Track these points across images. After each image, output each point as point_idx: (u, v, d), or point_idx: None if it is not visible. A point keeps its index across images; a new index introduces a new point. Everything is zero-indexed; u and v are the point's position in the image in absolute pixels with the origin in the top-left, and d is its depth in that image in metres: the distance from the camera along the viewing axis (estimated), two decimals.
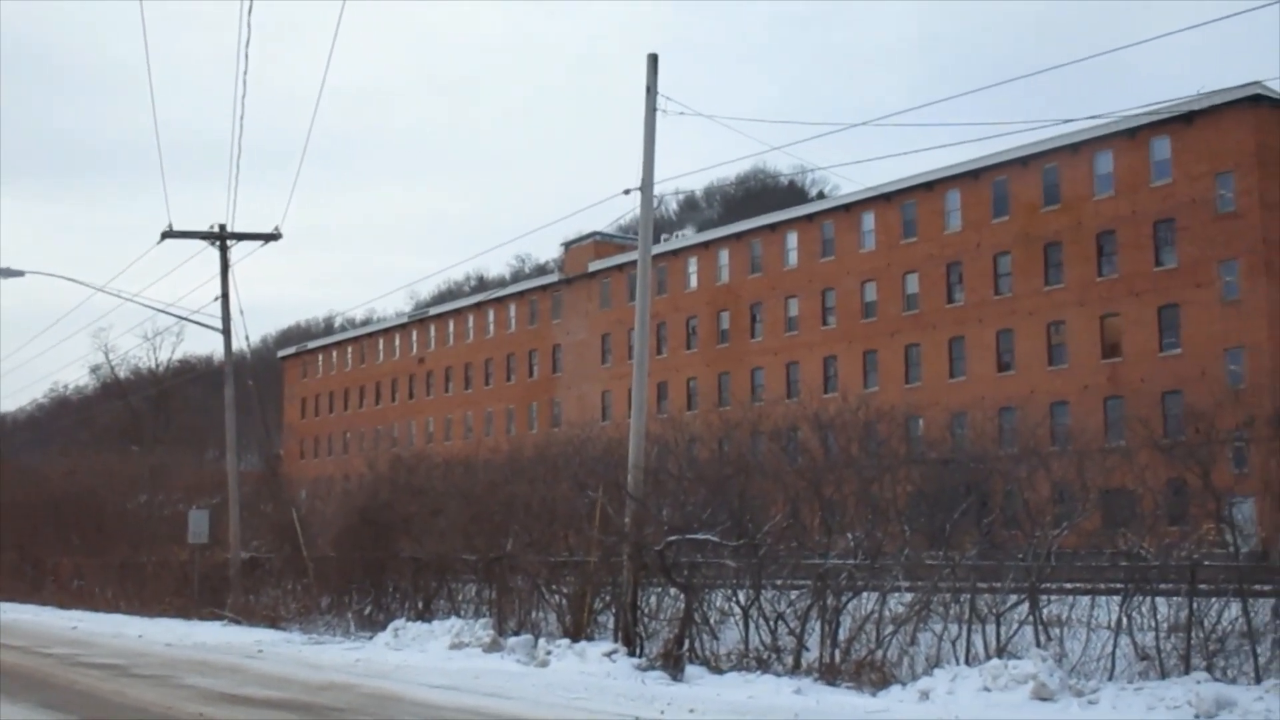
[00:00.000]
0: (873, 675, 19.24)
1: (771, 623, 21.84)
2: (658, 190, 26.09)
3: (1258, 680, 16.52)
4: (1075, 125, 63.03)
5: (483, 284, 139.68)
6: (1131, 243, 62.75)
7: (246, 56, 41.32)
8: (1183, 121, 60.44)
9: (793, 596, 21.88)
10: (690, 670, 21.36)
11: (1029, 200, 67.27)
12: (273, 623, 34.61)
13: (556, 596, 26.14)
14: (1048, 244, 66.35)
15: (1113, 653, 18.11)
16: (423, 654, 24.93)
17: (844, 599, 20.80)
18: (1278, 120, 59.39)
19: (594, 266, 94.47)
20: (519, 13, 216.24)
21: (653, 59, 25.01)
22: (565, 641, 23.63)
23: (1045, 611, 20.57)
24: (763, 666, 21.01)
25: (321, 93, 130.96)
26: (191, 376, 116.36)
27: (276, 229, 39.15)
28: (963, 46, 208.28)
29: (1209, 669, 17.01)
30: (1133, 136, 62.56)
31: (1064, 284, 65.38)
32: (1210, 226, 59.76)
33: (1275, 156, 58.90)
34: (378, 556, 32.37)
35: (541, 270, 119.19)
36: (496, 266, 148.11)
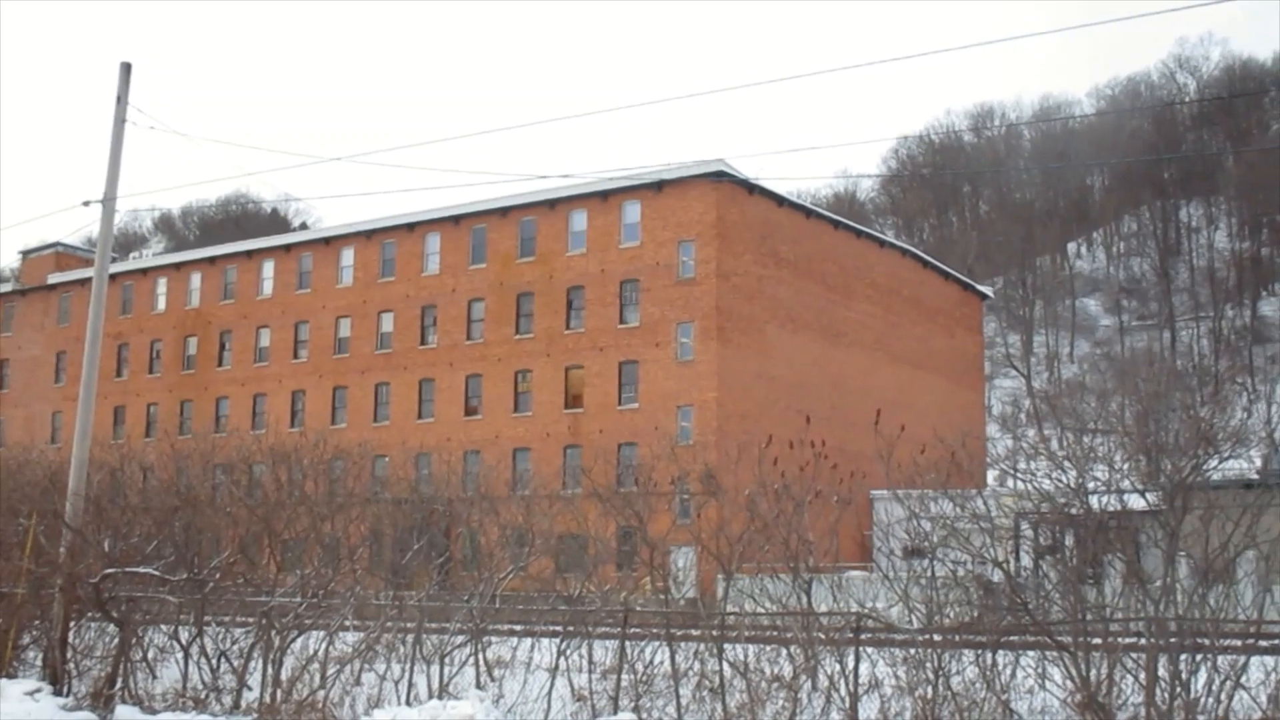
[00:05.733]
0: (313, 716, 18.92)
1: (214, 661, 21.11)
2: (133, 205, 24.97)
3: (679, 719, 17.45)
4: (554, 182, 65.73)
5: None
6: (599, 299, 65.40)
7: None
8: (653, 189, 63.78)
9: (237, 634, 21.25)
10: (122, 710, 20.26)
11: (506, 250, 68.90)
12: None
13: None
14: (520, 294, 68.13)
15: (549, 693, 18.63)
16: None
17: (289, 637, 20.37)
18: (737, 196, 63.67)
19: (54, 279, 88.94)
20: None
21: (125, 67, 23.90)
22: None
23: (489, 653, 20.96)
24: (200, 706, 20.23)
25: None
26: None
27: None
28: (452, 93, 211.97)
29: (636, 709, 17.80)
30: (606, 199, 65.41)
31: (533, 334, 67.24)
32: (671, 290, 63.18)
33: (733, 230, 63.11)
34: None
35: None
36: None
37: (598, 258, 65.66)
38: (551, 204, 67.20)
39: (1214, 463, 16.78)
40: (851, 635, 16.85)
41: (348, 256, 75.52)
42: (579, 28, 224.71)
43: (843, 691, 16.67)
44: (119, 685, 21.05)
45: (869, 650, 17.12)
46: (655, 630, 18.75)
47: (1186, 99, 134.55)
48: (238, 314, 79.36)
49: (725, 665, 17.70)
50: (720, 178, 62.59)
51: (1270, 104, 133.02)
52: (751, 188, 64.10)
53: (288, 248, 79.56)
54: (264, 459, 27.19)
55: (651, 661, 18.47)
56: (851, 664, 16.66)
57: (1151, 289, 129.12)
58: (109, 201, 23.88)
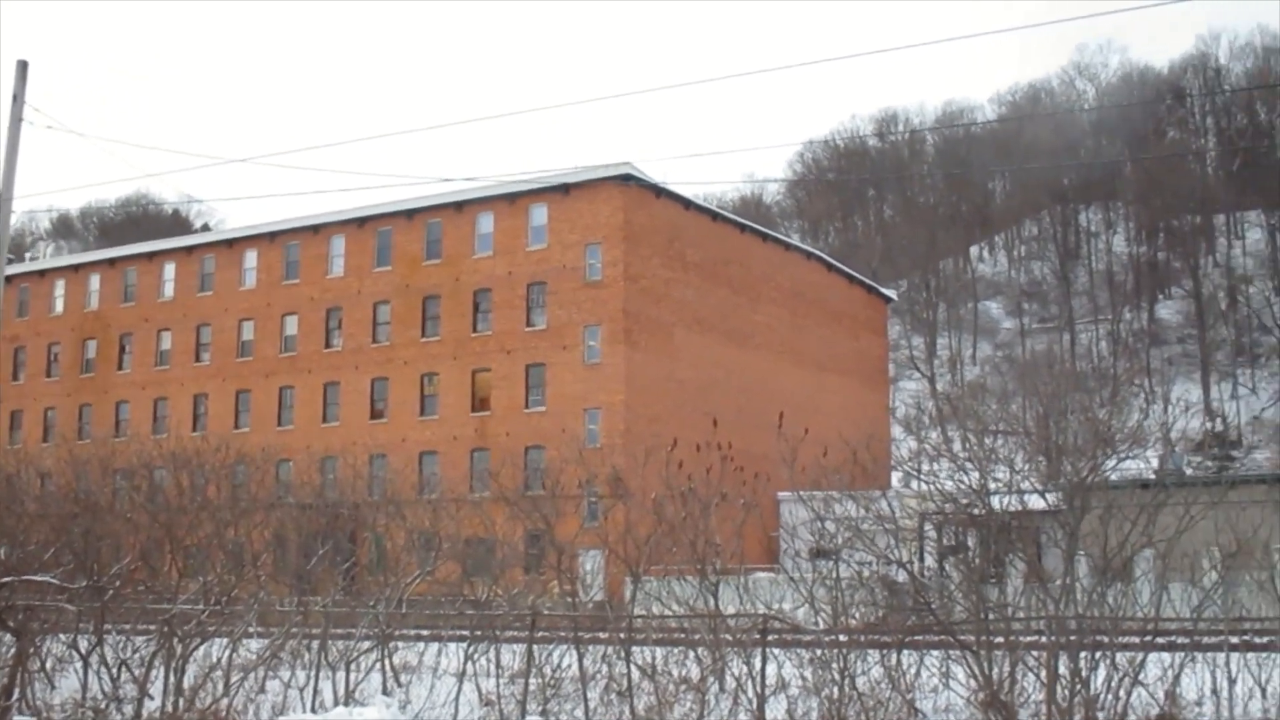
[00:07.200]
0: None
1: (114, 670, 20.78)
2: (29, 206, 24.50)
3: None
4: (460, 184, 65.48)
5: None
6: (506, 302, 65.21)
7: None
8: (560, 192, 63.71)
9: (138, 643, 20.93)
10: None
11: (412, 252, 68.50)
12: None
13: None
14: (427, 296, 67.75)
15: (456, 698, 18.54)
16: None
17: (192, 645, 20.09)
18: (644, 199, 63.76)
19: None
20: None
21: (22, 65, 23.51)
22: None
23: (396, 658, 20.82)
24: (100, 716, 19.91)
25: None
26: None
27: None
28: (358, 95, 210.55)
29: (544, 713, 17.77)
30: (513, 201, 65.24)
31: (440, 337, 66.90)
32: (578, 293, 63.15)
33: (640, 233, 63.20)
34: None
35: None
36: None
37: (505, 260, 65.48)
38: (458, 206, 66.91)
39: (1112, 463, 17.10)
40: (758, 637, 16.94)
41: (251, 258, 74.66)
42: (484, 29, 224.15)
43: (750, 693, 16.75)
44: (16, 696, 20.64)
45: (776, 651, 17.23)
46: (563, 634, 18.74)
47: (1085, 106, 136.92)
48: (138, 316, 78.17)
49: (633, 668, 17.73)
50: (627, 181, 62.66)
51: (1167, 111, 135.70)
52: (658, 191, 64.25)
53: (189, 249, 78.52)
54: (165, 464, 26.81)
55: (559, 665, 18.46)
56: (758, 665, 16.75)
57: (1052, 292, 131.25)
58: (5, 202, 23.44)
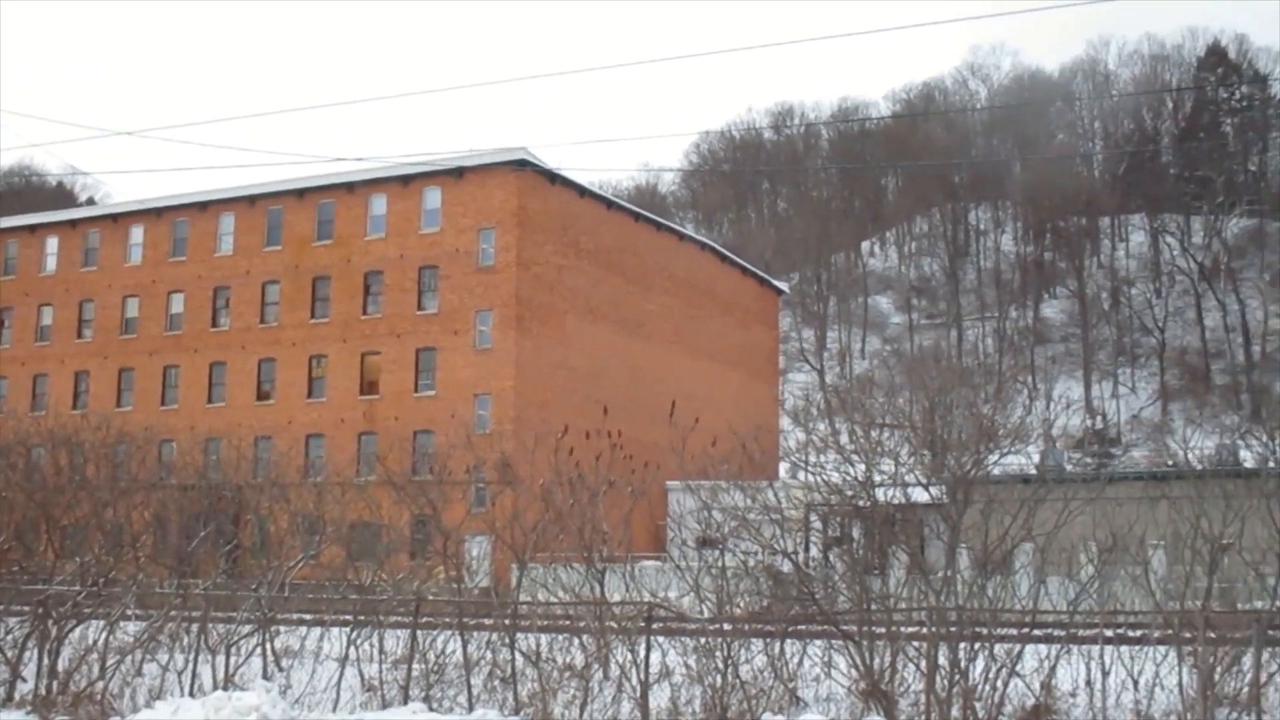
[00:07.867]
0: (91, 708, 18.35)
1: None
2: None
3: (470, 709, 17.38)
4: (353, 165, 64.85)
5: None
6: (397, 285, 64.69)
7: None
8: (454, 176, 63.31)
9: (11, 624, 20.47)
10: None
11: (302, 233, 67.67)
12: None
13: None
14: (317, 277, 66.98)
15: (339, 683, 18.38)
16: None
17: (67, 627, 19.70)
18: (539, 185, 63.59)
19: None
20: None
21: None
22: None
23: (278, 642, 20.59)
24: None
25: None
26: None
27: None
28: (249, 71, 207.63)
29: (427, 699, 17.68)
30: (406, 184, 64.72)
31: (329, 318, 66.19)
32: (471, 277, 62.82)
33: (534, 219, 63.02)
34: None
35: None
36: None
37: (397, 243, 64.95)
38: (350, 187, 66.23)
39: (994, 458, 17.39)
40: (643, 625, 16.99)
41: (137, 234, 73.30)
42: (379, 8, 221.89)
43: (634, 680, 16.80)
44: None
45: (660, 639, 17.28)
46: (447, 619, 18.64)
47: (978, 106, 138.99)
48: (18, 291, 76.40)
49: (517, 654, 17.70)
50: (522, 166, 62.43)
51: (1055, 114, 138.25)
52: (553, 177, 64.09)
53: (73, 223, 76.90)
54: (43, 441, 26.24)
55: (443, 651, 18.36)
56: (643, 653, 16.80)
57: (940, 288, 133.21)
58: None
